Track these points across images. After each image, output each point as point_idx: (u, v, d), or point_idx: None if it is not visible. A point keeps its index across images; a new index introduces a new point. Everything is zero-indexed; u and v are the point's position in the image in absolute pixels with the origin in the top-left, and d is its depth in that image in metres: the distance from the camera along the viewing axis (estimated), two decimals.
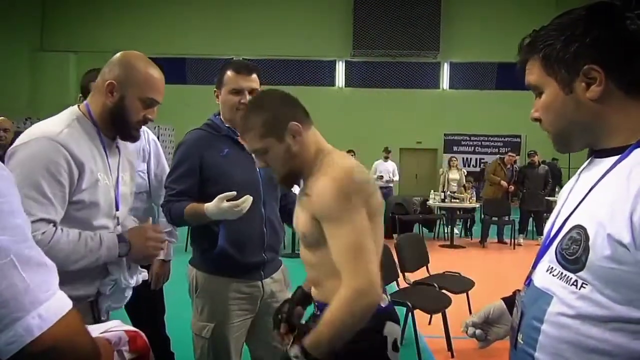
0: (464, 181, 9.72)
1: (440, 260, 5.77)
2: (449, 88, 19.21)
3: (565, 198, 1.09)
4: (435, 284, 4.01)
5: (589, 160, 1.08)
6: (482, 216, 8.98)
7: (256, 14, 18.27)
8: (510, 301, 1.24)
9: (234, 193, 1.88)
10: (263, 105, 1.52)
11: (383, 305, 1.47)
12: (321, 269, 1.50)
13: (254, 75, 2.13)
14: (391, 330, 1.49)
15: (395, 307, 3.59)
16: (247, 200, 1.87)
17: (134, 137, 1.71)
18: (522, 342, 1.05)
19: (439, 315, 3.83)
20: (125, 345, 1.05)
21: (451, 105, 18.39)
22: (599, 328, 0.92)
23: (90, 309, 1.65)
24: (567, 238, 0.98)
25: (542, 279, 1.04)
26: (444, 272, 4.40)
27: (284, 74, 18.09)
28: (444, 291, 3.92)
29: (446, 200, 8.88)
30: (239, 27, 18.30)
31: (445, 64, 19.10)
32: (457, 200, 8.86)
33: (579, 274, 0.94)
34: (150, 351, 1.11)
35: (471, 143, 17.81)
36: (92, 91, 1.69)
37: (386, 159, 10.65)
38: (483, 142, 17.69)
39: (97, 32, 18.12)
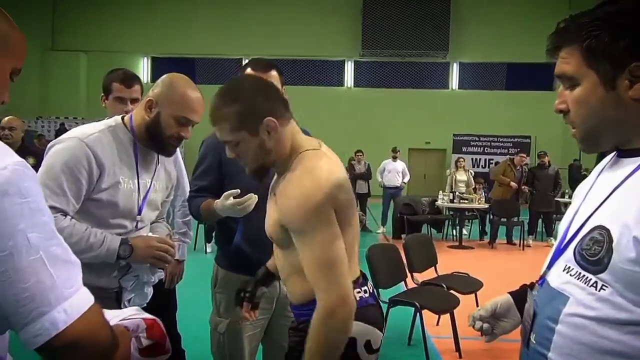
0: (472, 182, 9.67)
1: (449, 261, 5.75)
2: (458, 88, 19.15)
3: (583, 198, 1.05)
4: (444, 285, 4.01)
5: (611, 160, 1.04)
6: (491, 217, 8.94)
7: (265, 13, 18.30)
8: (517, 296, 1.22)
9: (238, 191, 1.88)
10: (238, 95, 1.39)
11: None
12: (288, 268, 1.49)
13: (273, 72, 2.06)
14: (361, 330, 1.40)
15: (404, 307, 3.60)
16: (252, 199, 1.87)
17: (167, 152, 1.83)
18: (534, 342, 1.03)
19: (447, 315, 3.82)
20: (143, 332, 1.09)
21: (460, 105, 18.33)
22: (616, 330, 0.90)
23: (116, 299, 1.77)
24: (588, 238, 0.95)
25: (558, 279, 1.01)
26: (452, 273, 4.39)
27: (293, 74, 18.10)
28: (452, 292, 3.91)
29: (455, 200, 8.85)
30: (248, 27, 18.34)
31: (455, 64, 19.04)
32: (466, 201, 8.82)
33: (600, 275, 0.92)
34: (167, 338, 1.14)
35: (480, 144, 17.73)
36: (139, 105, 1.85)
37: (394, 158, 10.48)
38: (492, 143, 17.60)
39: (107, 32, 18.25)
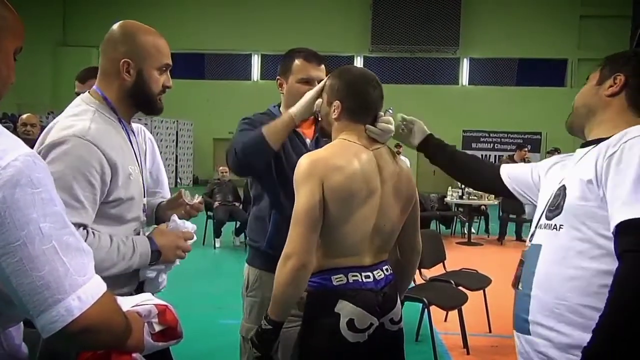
0: None
1: (457, 257, 5.73)
2: (469, 84, 19.04)
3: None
4: (452, 281, 3.99)
5: (576, 152, 1.43)
6: (501, 214, 8.90)
7: (274, 9, 18.30)
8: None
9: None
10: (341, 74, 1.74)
11: (335, 284, 1.58)
12: None
13: (323, 66, 2.07)
14: (345, 308, 1.56)
15: (412, 303, 3.60)
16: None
17: (159, 109, 1.66)
18: (521, 288, 1.35)
19: (455, 312, 3.82)
20: (154, 317, 1.12)
21: (470, 101, 18.23)
22: (574, 258, 1.23)
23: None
24: (553, 197, 1.34)
25: (536, 236, 1.37)
26: (460, 269, 4.38)
27: None
28: (460, 288, 3.90)
29: (464, 197, 8.81)
30: (258, 22, 18.36)
31: (465, 60, 18.93)
32: (475, 198, 8.79)
33: (558, 217, 1.28)
34: (178, 323, 1.17)
35: (490, 140, 17.63)
36: (101, 77, 1.60)
37: (398, 154, 10.63)
38: (502, 139, 17.50)
39: None
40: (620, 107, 1.34)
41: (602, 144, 1.26)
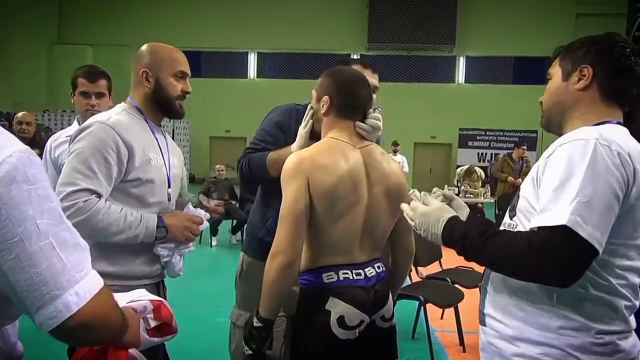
0: (482, 175, 9.64)
1: (454, 255, 5.73)
2: (465, 82, 19.07)
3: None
4: (448, 279, 4.01)
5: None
6: (497, 212, 8.93)
7: (271, 7, 18.27)
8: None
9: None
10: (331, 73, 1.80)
11: (326, 281, 1.60)
12: None
13: (377, 75, 2.16)
14: (336, 306, 1.57)
15: (408, 301, 3.61)
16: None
17: (179, 113, 1.88)
18: (483, 283, 1.41)
19: (452, 309, 3.83)
20: (150, 313, 1.13)
21: (467, 99, 18.25)
22: None
23: (157, 289, 1.82)
24: (515, 198, 1.37)
25: None
26: (456, 267, 4.38)
27: (299, 68, 18.11)
28: (456, 286, 3.91)
29: (460, 195, 8.83)
30: (254, 21, 18.33)
31: (461, 58, 18.95)
32: (471, 196, 8.81)
33: (514, 218, 1.33)
34: (173, 319, 1.18)
35: (486, 138, 17.66)
36: (132, 86, 1.87)
37: (395, 152, 10.85)
38: (499, 137, 17.52)
39: (114, 26, 18.29)
40: (591, 99, 1.32)
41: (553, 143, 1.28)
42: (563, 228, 1.10)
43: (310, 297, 1.62)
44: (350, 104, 1.69)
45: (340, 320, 1.57)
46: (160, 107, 1.86)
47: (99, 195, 1.65)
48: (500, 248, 1.18)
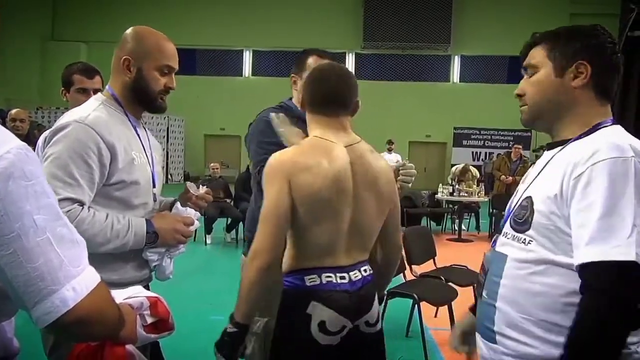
0: (477, 174, 9.67)
1: (448, 254, 5.77)
2: (460, 81, 19.11)
3: (524, 183, 1.36)
4: (442, 277, 4.02)
5: (542, 154, 1.37)
6: (491, 210, 8.96)
7: (266, 5, 18.25)
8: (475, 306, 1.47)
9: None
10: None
11: (308, 285, 1.55)
12: None
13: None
14: (317, 310, 1.53)
15: (402, 299, 3.61)
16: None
17: (160, 108, 1.71)
18: (486, 296, 1.30)
19: (445, 307, 3.84)
20: (146, 309, 1.14)
21: (461, 98, 18.31)
22: (541, 274, 1.20)
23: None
24: (518, 207, 1.27)
25: (500, 243, 1.31)
26: (451, 265, 4.41)
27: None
28: (450, 284, 3.92)
29: (454, 193, 8.86)
30: (250, 19, 18.29)
31: (456, 57, 19.00)
32: (466, 195, 8.83)
33: (527, 232, 1.22)
34: (170, 315, 1.18)
35: (481, 137, 17.72)
36: (112, 73, 1.69)
37: (390, 150, 10.86)
38: (493, 136, 17.60)
39: (108, 22, 18.18)
40: (587, 97, 1.24)
41: (569, 156, 1.18)
42: (633, 264, 1.04)
43: (292, 300, 1.57)
44: (324, 96, 1.61)
45: (322, 325, 1.52)
46: (140, 100, 1.68)
47: (82, 204, 1.50)
48: (583, 340, 1.10)
